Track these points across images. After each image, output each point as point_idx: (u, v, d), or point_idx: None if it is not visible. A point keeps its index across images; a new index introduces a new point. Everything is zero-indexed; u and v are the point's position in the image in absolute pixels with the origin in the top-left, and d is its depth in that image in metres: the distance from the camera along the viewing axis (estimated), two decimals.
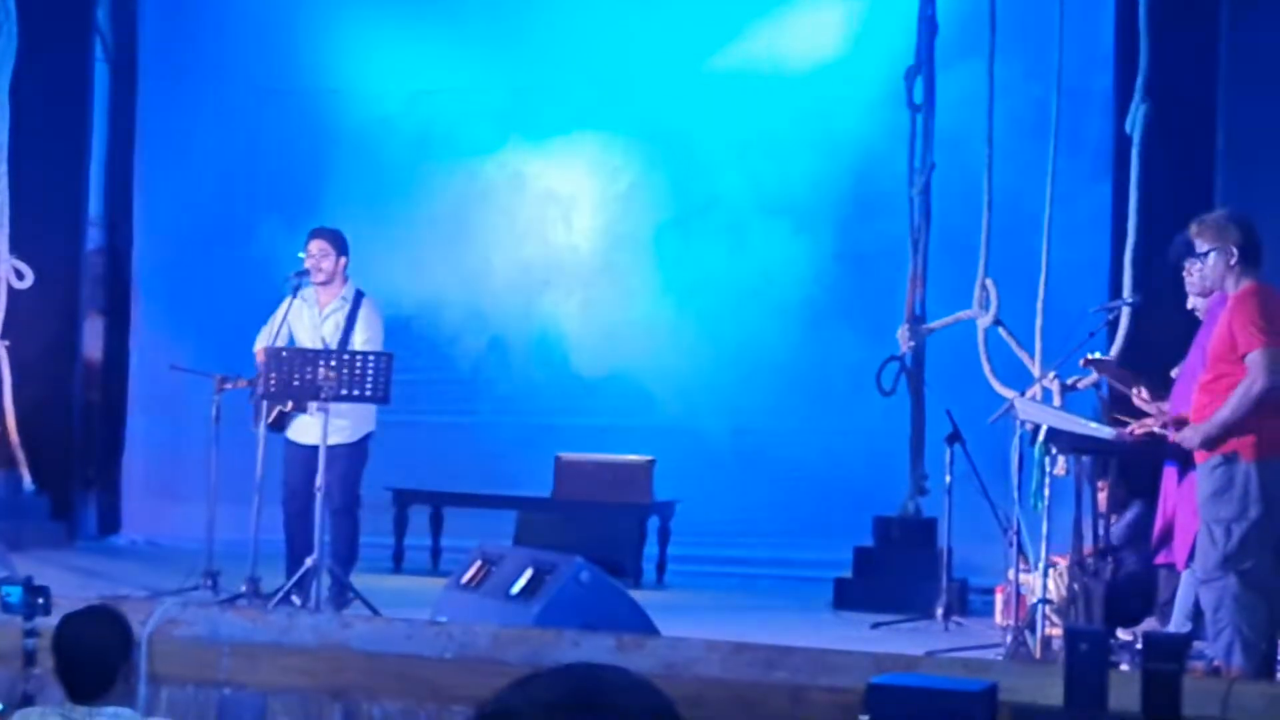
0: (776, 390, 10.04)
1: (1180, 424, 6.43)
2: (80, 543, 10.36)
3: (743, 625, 7.55)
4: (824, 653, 6.45)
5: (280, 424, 7.97)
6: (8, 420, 10.03)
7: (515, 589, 7.00)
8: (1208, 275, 6.38)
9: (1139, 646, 6.49)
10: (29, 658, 5.22)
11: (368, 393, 7.69)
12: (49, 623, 5.05)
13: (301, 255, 8.02)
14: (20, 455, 10.05)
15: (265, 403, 7.89)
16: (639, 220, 10.28)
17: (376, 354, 7.76)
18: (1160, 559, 7.20)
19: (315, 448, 7.70)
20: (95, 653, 4.44)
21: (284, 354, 7.79)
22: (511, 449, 10.22)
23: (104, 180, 11.15)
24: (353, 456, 7.98)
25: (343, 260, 8.10)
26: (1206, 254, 6.36)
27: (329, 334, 7.97)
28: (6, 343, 9.96)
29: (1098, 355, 7.55)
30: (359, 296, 8.08)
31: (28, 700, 5.01)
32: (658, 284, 10.24)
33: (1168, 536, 7.09)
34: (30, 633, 5.22)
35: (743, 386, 10.07)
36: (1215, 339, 6.34)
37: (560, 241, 10.33)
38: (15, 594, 5.29)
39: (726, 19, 10.29)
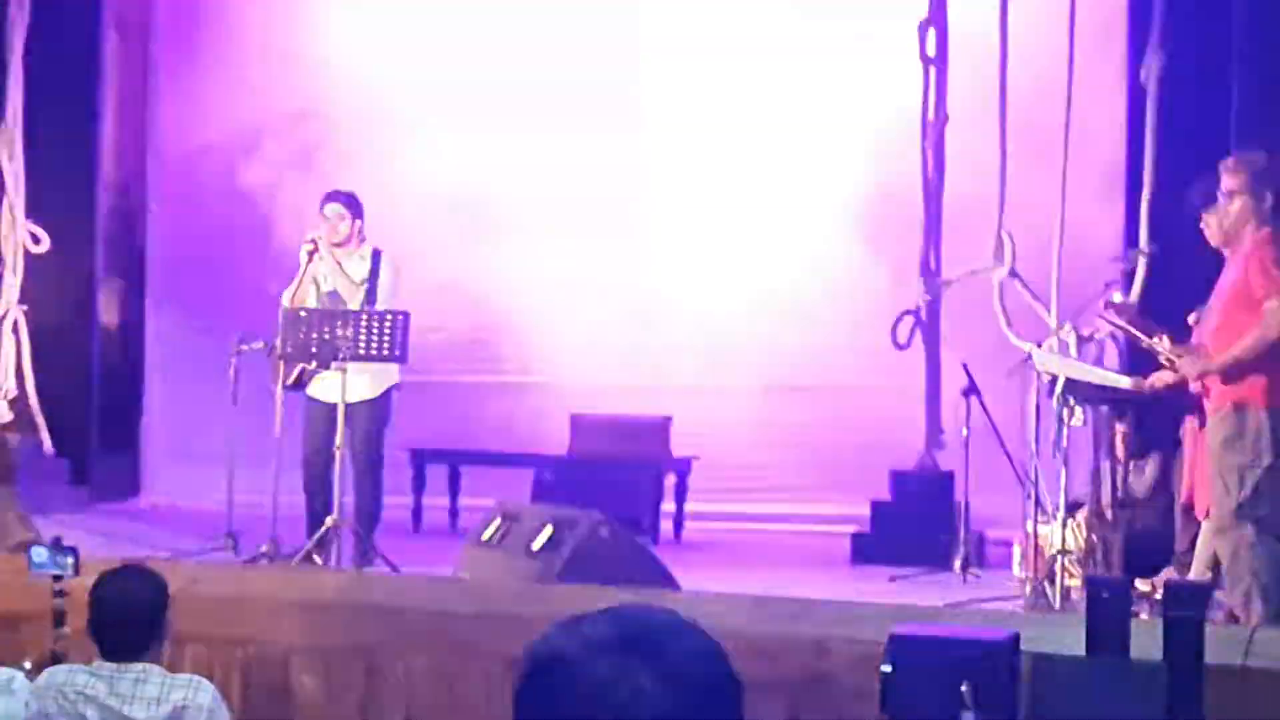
0: (791, 346, 10.04)
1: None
2: (100, 506, 10.39)
3: (762, 580, 7.57)
4: (845, 604, 6.49)
5: (300, 382, 7.99)
6: (27, 385, 10.06)
7: (536, 545, 7.03)
8: (1230, 216, 6.33)
9: (1158, 596, 6.51)
10: (58, 617, 5.26)
11: (386, 352, 7.72)
12: (77, 583, 5.11)
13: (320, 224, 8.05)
14: (40, 419, 10.08)
15: (284, 363, 7.90)
16: (653, 175, 10.26)
17: (394, 313, 7.78)
18: (1185, 501, 7.20)
19: (332, 405, 7.75)
20: (134, 610, 4.48)
21: (302, 314, 7.82)
22: (527, 407, 10.24)
23: (116, 144, 11.14)
24: (375, 413, 8.00)
25: (358, 222, 8.12)
26: (1232, 194, 6.31)
27: (346, 290, 7.97)
28: (24, 307, 9.98)
29: (1118, 297, 7.54)
30: (377, 254, 8.10)
31: (56, 660, 5.05)
32: (672, 241, 10.23)
33: (1186, 486, 7.12)
34: (59, 593, 5.25)
35: (757, 342, 10.08)
36: (1232, 286, 6.33)
37: (573, 196, 10.29)
38: (44, 554, 5.32)
39: None
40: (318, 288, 8.07)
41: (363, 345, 7.67)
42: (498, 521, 7.43)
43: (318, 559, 7.56)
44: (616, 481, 9.35)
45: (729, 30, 10.16)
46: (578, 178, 10.19)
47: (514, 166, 10.27)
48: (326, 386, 7.93)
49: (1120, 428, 7.93)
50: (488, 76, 10.33)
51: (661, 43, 10.22)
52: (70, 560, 5.28)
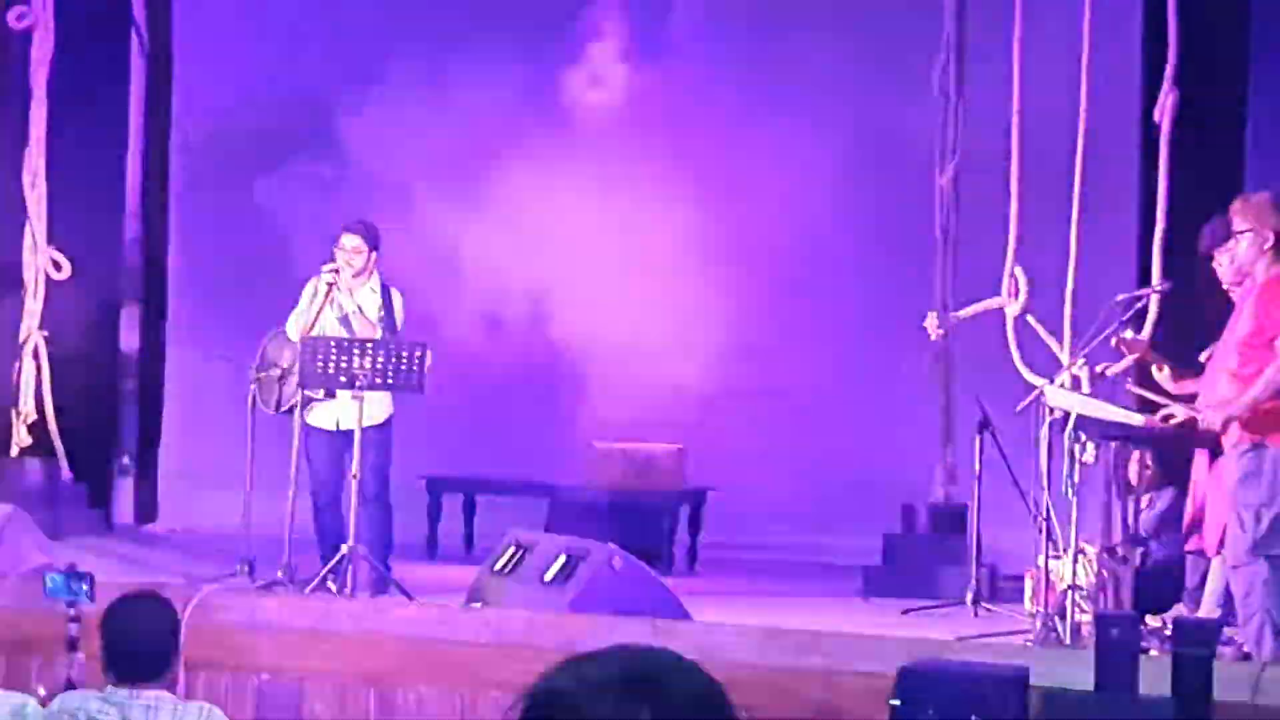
0: (806, 378, 10.08)
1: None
2: (117, 531, 10.45)
3: (774, 612, 7.60)
4: (856, 638, 6.52)
5: (290, 408, 8.03)
6: (46, 410, 10.13)
7: (549, 575, 7.07)
8: (1239, 257, 6.38)
9: (1168, 633, 6.53)
10: (72, 644, 5.31)
11: (405, 381, 7.77)
12: (92, 609, 5.16)
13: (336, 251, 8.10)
14: (58, 444, 10.15)
15: (301, 390, 7.95)
16: (664, 203, 10.30)
17: (413, 343, 7.84)
18: (1190, 545, 7.24)
19: (340, 433, 7.80)
20: (145, 637, 4.53)
21: (320, 342, 7.87)
22: (544, 435, 10.28)
23: (140, 172, 11.23)
24: (381, 440, 8.05)
25: (374, 255, 8.17)
26: (1241, 234, 6.36)
27: (359, 321, 8.02)
28: (45, 333, 10.06)
29: (1130, 334, 7.57)
30: (386, 287, 8.16)
31: (70, 686, 5.10)
32: (686, 273, 10.27)
33: (1197, 523, 7.13)
34: (74, 619, 5.30)
35: (772, 374, 10.12)
36: (1244, 327, 6.36)
37: (579, 225, 10.33)
38: (59, 581, 5.37)
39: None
40: (331, 315, 8.10)
41: (382, 375, 7.72)
42: (511, 551, 7.47)
43: (332, 586, 7.59)
44: (631, 511, 9.40)
45: (740, 57, 10.22)
46: (598, 213, 10.23)
47: (534, 203, 10.30)
48: (328, 414, 7.98)
49: (1132, 464, 7.95)
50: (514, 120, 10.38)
51: (667, 76, 10.28)
52: (85, 587, 5.33)
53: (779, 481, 10.03)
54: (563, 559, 7.08)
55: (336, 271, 8.03)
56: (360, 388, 7.70)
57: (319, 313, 8.05)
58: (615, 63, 10.49)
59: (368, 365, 7.70)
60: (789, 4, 10.33)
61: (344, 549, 7.62)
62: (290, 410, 8.03)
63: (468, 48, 10.26)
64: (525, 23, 10.51)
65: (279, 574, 7.72)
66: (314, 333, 7.95)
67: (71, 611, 5.32)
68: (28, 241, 10.16)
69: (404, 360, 7.76)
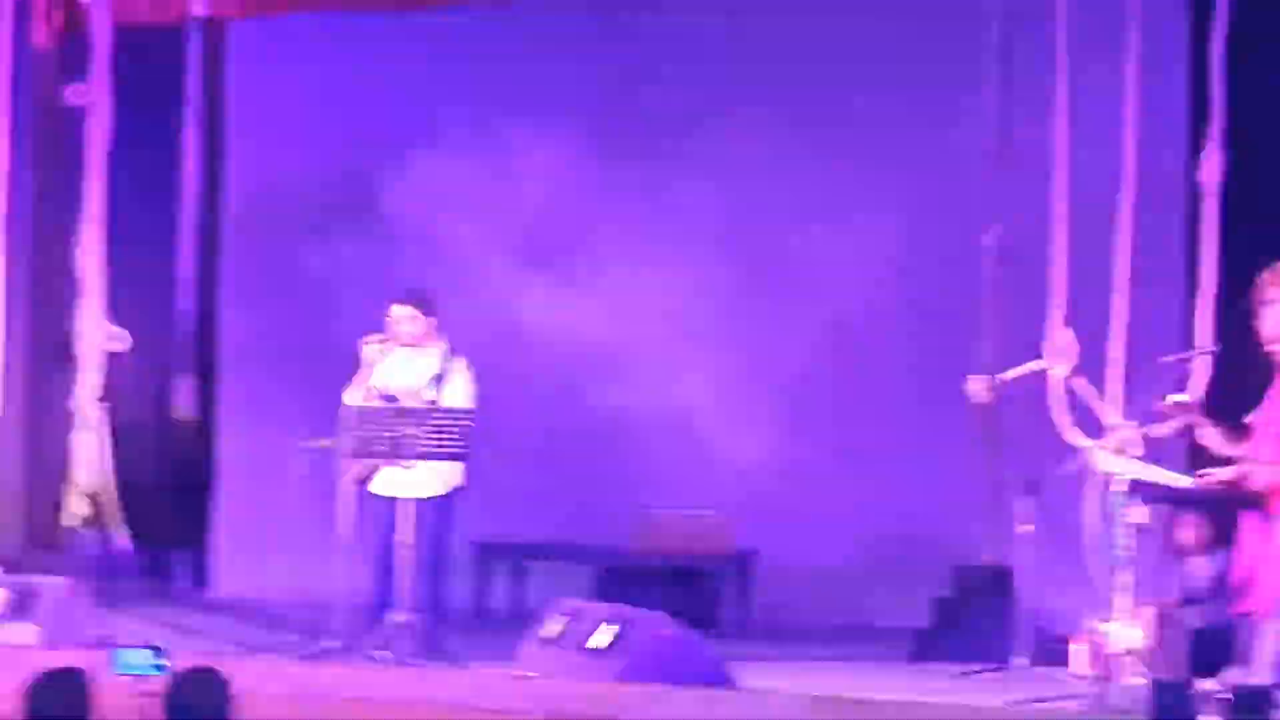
0: (852, 440, 10.09)
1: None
2: (172, 599, 10.54)
3: (822, 677, 7.59)
4: (906, 704, 6.51)
5: (362, 477, 8.11)
6: (105, 480, 10.25)
7: (597, 644, 7.09)
8: (1273, 322, 6.39)
9: (1222, 697, 6.48)
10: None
11: (449, 449, 7.82)
12: (160, 681, 5.21)
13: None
14: (117, 514, 10.26)
15: (352, 459, 8.02)
16: (713, 270, 10.35)
17: (458, 410, 7.89)
18: (1241, 607, 7.19)
19: (395, 500, 7.86)
20: (200, 715, 4.60)
21: (367, 411, 7.94)
22: (592, 501, 10.31)
23: (193, 244, 11.37)
24: (439, 509, 8.09)
25: (432, 320, 8.19)
26: (1274, 302, 6.37)
27: (410, 388, 8.06)
28: (105, 404, 10.19)
29: (1179, 398, 7.55)
30: (450, 357, 8.15)
31: None
32: (733, 335, 10.31)
33: (1248, 584, 7.08)
34: (144, 694, 5.33)
35: (818, 437, 10.12)
36: None
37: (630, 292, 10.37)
38: (132, 657, 5.42)
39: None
40: (379, 383, 8.16)
41: (428, 443, 7.78)
42: (559, 619, 7.50)
43: (383, 654, 7.63)
44: (679, 577, 9.43)
45: (788, 120, 10.29)
46: (648, 280, 10.27)
47: (587, 269, 10.35)
48: (387, 482, 8.04)
49: (1182, 526, 7.91)
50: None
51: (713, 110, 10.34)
52: (156, 661, 5.37)
53: (826, 545, 10.02)
54: (611, 628, 7.11)
55: (383, 342, 8.11)
56: (404, 457, 7.76)
57: (367, 382, 8.13)
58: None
59: (411, 434, 7.75)
60: (840, 74, 10.38)
61: (394, 617, 7.67)
62: (363, 481, 8.08)
63: (519, 110, 10.36)
64: (576, 91, 10.61)
65: (331, 642, 7.78)
66: (361, 402, 8.03)
67: (142, 687, 5.35)
68: (82, 314, 10.31)
69: (447, 429, 7.81)
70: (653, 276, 10.15)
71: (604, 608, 7.50)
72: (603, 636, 7.07)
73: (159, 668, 5.38)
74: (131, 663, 5.39)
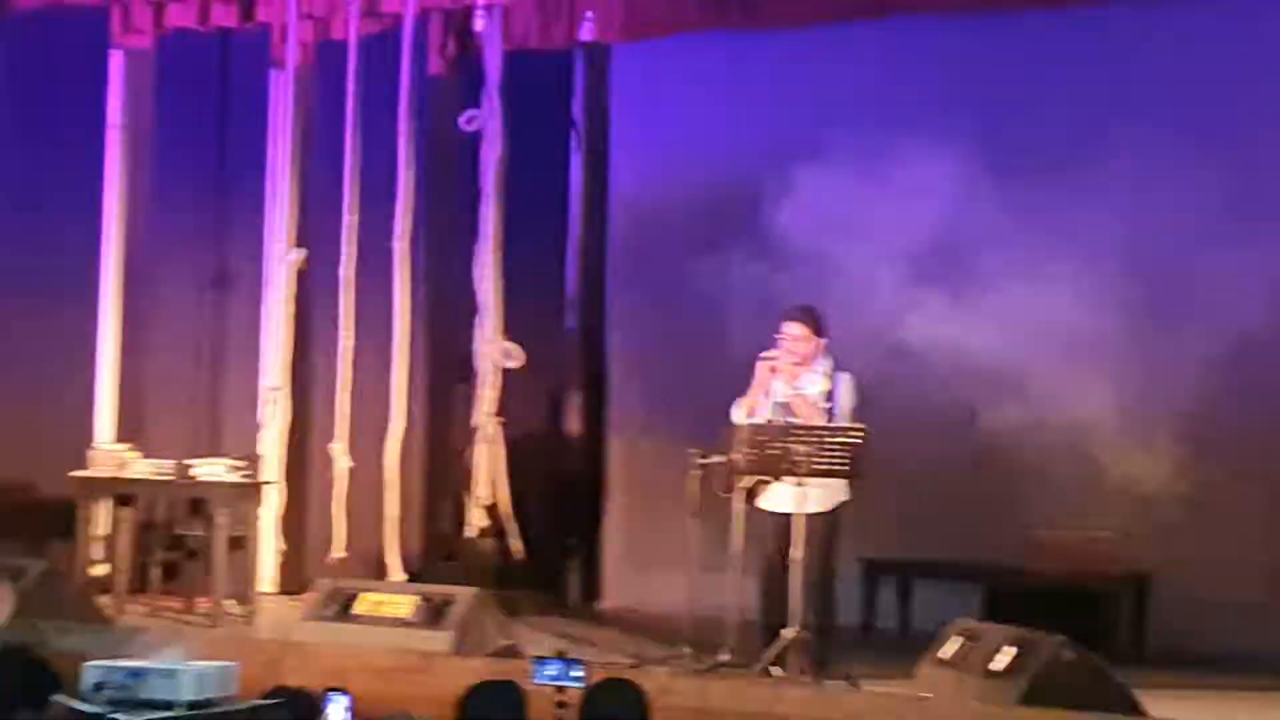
0: (1256, 467, 9.63)
1: None
2: (567, 610, 10.84)
3: (1231, 706, 7.28)
4: None
5: (751, 492, 8.18)
6: (501, 494, 10.65)
7: (997, 666, 6.98)
8: None
9: None
10: None
11: (842, 468, 7.82)
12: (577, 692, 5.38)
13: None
14: (513, 526, 10.64)
15: (739, 475, 8.11)
16: (1112, 290, 10.04)
17: (851, 428, 7.88)
18: None
19: (785, 516, 7.89)
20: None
21: (759, 428, 8.01)
22: (978, 520, 10.14)
23: (579, 262, 11.72)
24: (828, 525, 8.10)
25: (822, 341, 8.23)
26: None
27: (802, 407, 8.09)
28: (502, 419, 10.59)
29: None
30: (839, 375, 8.19)
31: None
32: (1130, 351, 9.99)
33: None
34: (561, 704, 5.52)
35: (1220, 461, 9.68)
36: None
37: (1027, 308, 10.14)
38: (554, 668, 5.62)
39: None
40: (769, 400, 8.22)
41: (819, 461, 7.79)
42: (956, 639, 7.41)
43: (776, 670, 7.68)
44: (1072, 599, 9.19)
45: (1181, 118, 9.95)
46: (1048, 298, 10.04)
47: (979, 286, 10.19)
48: (776, 497, 8.08)
49: None
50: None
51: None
52: (576, 673, 5.55)
53: (1229, 573, 9.59)
54: (1010, 649, 6.98)
55: (775, 359, 8.16)
56: (797, 474, 7.79)
57: (758, 399, 8.20)
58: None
59: (803, 451, 7.78)
60: (1238, 79, 9.95)
61: (787, 634, 7.71)
62: (749, 496, 8.17)
63: (903, 126, 10.28)
64: (962, 107, 10.47)
65: (727, 656, 7.86)
66: (753, 419, 8.11)
67: (559, 697, 5.53)
68: (480, 333, 10.74)
69: (839, 446, 7.81)
70: (1048, 295, 9.91)
71: (1003, 629, 7.37)
72: (1004, 658, 6.95)
73: (577, 678, 5.55)
74: (552, 673, 5.57)
